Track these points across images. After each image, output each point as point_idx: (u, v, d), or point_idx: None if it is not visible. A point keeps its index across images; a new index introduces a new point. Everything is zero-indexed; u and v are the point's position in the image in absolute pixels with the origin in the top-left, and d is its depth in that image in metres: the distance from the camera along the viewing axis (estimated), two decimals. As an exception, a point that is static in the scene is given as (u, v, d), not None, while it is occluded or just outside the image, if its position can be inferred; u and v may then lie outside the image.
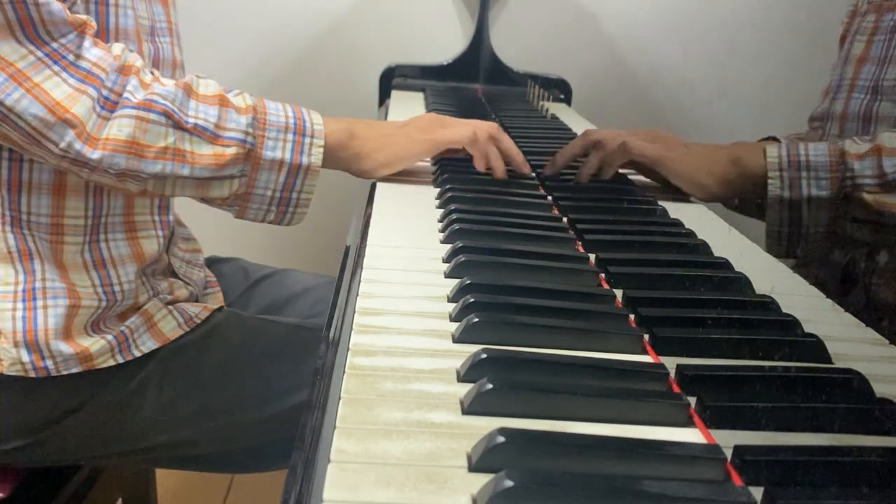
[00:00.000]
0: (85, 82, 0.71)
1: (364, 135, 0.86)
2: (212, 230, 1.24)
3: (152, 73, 0.77)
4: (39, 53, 0.69)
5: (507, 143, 0.93)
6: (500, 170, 0.92)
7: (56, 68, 0.70)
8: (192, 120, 0.75)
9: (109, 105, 0.72)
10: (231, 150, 0.76)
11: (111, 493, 1.05)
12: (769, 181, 0.90)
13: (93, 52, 0.72)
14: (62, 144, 0.70)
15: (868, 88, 1.08)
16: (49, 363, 0.79)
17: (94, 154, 0.71)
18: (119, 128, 0.71)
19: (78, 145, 0.70)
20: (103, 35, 0.78)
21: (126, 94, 0.72)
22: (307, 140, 0.80)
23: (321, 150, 0.80)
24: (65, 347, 0.78)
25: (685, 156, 0.94)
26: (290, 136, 0.79)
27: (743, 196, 0.95)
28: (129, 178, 0.74)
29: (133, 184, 0.75)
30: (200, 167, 0.75)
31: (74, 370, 0.80)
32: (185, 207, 0.99)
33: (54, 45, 0.70)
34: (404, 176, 0.93)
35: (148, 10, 0.84)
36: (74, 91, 0.70)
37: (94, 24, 0.73)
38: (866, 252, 1.02)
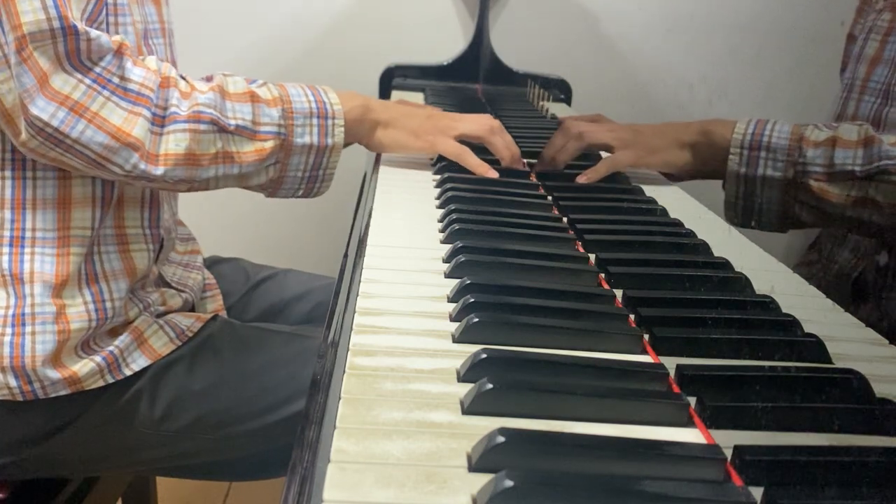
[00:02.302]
0: (137, 104, 0.74)
1: (378, 109, 0.92)
2: (212, 230, 1.24)
3: (184, 78, 0.79)
4: (88, 81, 0.72)
5: (499, 144, 0.97)
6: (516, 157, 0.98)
7: (106, 93, 0.73)
8: (232, 122, 0.79)
9: (159, 120, 0.75)
10: (269, 144, 0.81)
11: (110, 495, 1.05)
12: (730, 155, 0.95)
13: (136, 73, 0.75)
14: (127, 167, 0.74)
15: (880, 92, 1.08)
16: (36, 386, 0.78)
17: (158, 170, 0.75)
18: (176, 143, 0.76)
19: (143, 165, 0.74)
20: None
21: (172, 109, 0.76)
22: (329, 122, 0.85)
23: (342, 128, 0.86)
24: (52, 373, 0.78)
25: (659, 145, 0.98)
26: (314, 121, 0.84)
27: (708, 167, 1.00)
28: (183, 183, 0.79)
29: (184, 185, 0.80)
30: (247, 164, 0.81)
31: (63, 393, 0.79)
32: (185, 207, 0.99)
33: (97, 69, 0.73)
34: (405, 170, 0.94)
35: (141, 13, 0.84)
36: (129, 114, 0.73)
37: (129, 42, 0.75)
38: (877, 266, 1.03)
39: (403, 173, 0.95)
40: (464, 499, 0.37)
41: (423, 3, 1.83)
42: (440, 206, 0.83)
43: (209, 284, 1.04)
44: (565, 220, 0.81)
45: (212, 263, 1.11)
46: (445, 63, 1.76)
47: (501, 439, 0.39)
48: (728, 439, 0.43)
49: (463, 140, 0.95)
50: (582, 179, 0.97)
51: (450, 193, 0.83)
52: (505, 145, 0.96)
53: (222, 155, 0.79)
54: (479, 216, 0.76)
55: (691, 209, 0.92)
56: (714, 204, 0.96)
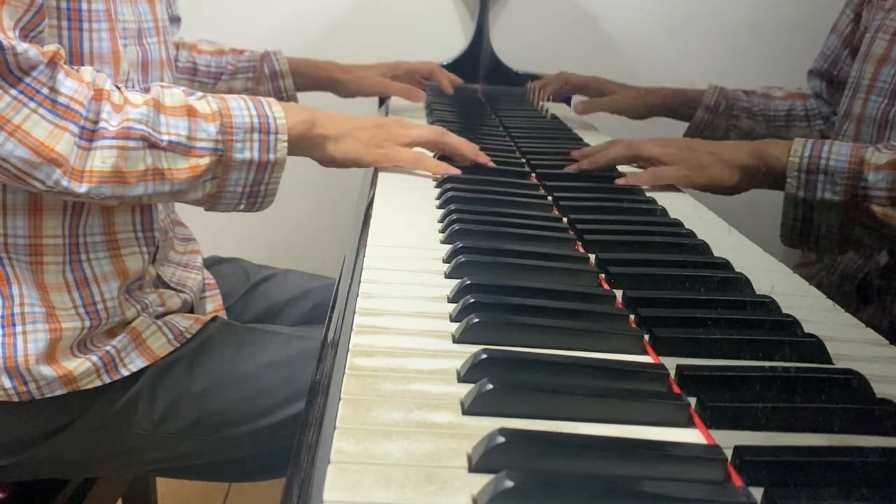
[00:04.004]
0: (64, 118, 0.71)
1: (325, 125, 0.88)
2: (212, 230, 1.23)
3: (119, 88, 0.76)
4: (14, 92, 0.69)
5: (454, 141, 0.95)
6: (473, 150, 0.95)
7: (33, 105, 0.69)
8: (165, 137, 0.75)
9: (87, 135, 0.72)
10: (205, 161, 0.77)
11: (110, 495, 1.05)
12: (787, 179, 0.92)
13: (67, 85, 0.71)
14: (49, 182, 0.71)
15: (887, 92, 1.08)
16: (32, 387, 0.78)
17: (82, 188, 0.72)
18: (102, 159, 0.72)
19: (65, 182, 0.71)
20: (77, 59, 0.77)
21: (102, 123, 0.72)
22: (272, 137, 0.81)
23: (285, 144, 0.82)
24: (47, 370, 0.77)
25: (708, 162, 0.96)
26: (255, 136, 0.80)
27: (760, 186, 0.98)
28: (112, 199, 0.75)
29: (114, 200, 0.76)
30: (179, 181, 0.77)
31: (58, 392, 0.79)
32: (185, 207, 0.99)
33: (27, 80, 0.69)
34: (405, 170, 0.94)
35: (134, 13, 0.84)
36: (55, 128, 0.70)
37: (63, 52, 0.72)
38: (882, 268, 1.02)
39: (403, 173, 0.95)
40: (464, 499, 0.37)
41: (423, 3, 1.83)
42: (440, 206, 0.83)
43: (208, 284, 1.03)
44: (565, 220, 0.81)
45: (211, 263, 1.11)
46: (445, 63, 1.76)
47: (502, 440, 0.39)
48: (728, 440, 0.43)
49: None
50: (621, 181, 0.96)
51: (450, 193, 0.83)
52: (461, 141, 0.95)
53: (152, 172, 0.75)
54: (479, 216, 0.76)
55: (691, 209, 0.92)
56: (714, 204, 0.96)
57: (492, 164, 0.96)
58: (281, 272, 1.14)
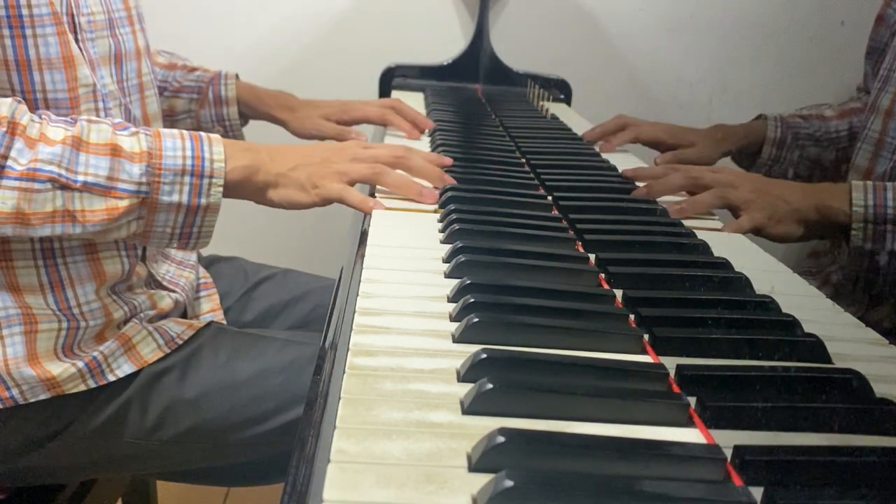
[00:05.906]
0: None
1: (266, 168, 0.82)
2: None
3: (40, 120, 0.72)
4: None
5: (392, 180, 0.85)
6: (415, 190, 0.85)
7: None
8: (81, 178, 0.71)
9: None
10: (124, 203, 0.73)
11: (110, 495, 1.05)
12: (853, 231, 0.90)
13: None
14: None
15: None
16: (15, 392, 0.76)
17: None
18: (2, 200, 0.69)
19: None
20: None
21: (10, 162, 0.69)
22: (205, 181, 0.76)
23: (220, 189, 0.77)
24: (29, 373, 0.76)
25: (785, 217, 0.92)
26: (187, 179, 0.75)
27: (823, 238, 0.95)
28: (16, 239, 0.72)
29: (20, 240, 0.73)
30: (93, 224, 0.73)
31: (42, 397, 0.78)
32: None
33: None
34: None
35: (103, 3, 0.82)
36: None
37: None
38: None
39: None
40: (464, 499, 0.37)
41: (423, 3, 1.83)
42: (440, 206, 0.83)
43: (204, 284, 1.03)
44: (565, 220, 0.81)
45: (210, 263, 1.11)
46: (445, 63, 1.76)
47: (501, 439, 0.39)
48: (728, 439, 0.43)
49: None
50: (674, 212, 0.89)
51: (450, 193, 0.83)
52: (395, 182, 0.85)
53: (61, 214, 0.71)
54: (479, 216, 0.76)
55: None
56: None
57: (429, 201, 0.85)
58: (281, 272, 1.14)
